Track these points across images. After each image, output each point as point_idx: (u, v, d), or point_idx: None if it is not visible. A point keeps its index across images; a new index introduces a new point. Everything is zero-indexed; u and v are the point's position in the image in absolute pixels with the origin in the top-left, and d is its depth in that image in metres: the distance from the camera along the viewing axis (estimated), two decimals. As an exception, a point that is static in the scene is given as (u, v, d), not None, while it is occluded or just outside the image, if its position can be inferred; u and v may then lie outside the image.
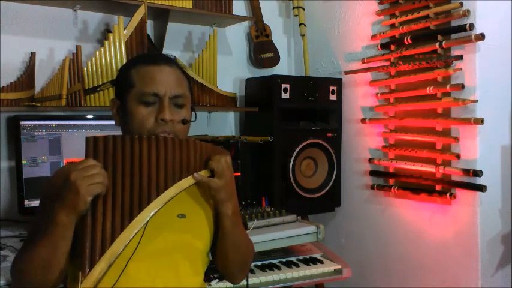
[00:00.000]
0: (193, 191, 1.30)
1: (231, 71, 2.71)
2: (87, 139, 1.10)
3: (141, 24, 2.13)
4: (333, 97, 2.56)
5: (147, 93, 1.20)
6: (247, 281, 1.83)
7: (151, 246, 1.17)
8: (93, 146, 1.10)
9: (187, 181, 1.17)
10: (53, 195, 1.12)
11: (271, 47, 2.75)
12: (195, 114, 1.31)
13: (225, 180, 1.21)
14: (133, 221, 1.09)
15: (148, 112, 1.20)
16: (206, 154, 1.22)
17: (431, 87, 2.12)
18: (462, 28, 1.99)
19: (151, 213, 1.10)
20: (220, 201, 1.23)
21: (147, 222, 1.11)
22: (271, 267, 2.01)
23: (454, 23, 2.07)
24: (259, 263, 2.04)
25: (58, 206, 1.06)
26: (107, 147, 1.11)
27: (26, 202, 1.91)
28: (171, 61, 1.29)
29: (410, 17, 2.21)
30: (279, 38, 2.84)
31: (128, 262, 1.12)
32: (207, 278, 1.80)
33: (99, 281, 1.05)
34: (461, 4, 2.02)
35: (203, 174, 1.20)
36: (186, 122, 1.24)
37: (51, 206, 1.09)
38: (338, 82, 2.58)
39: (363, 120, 2.48)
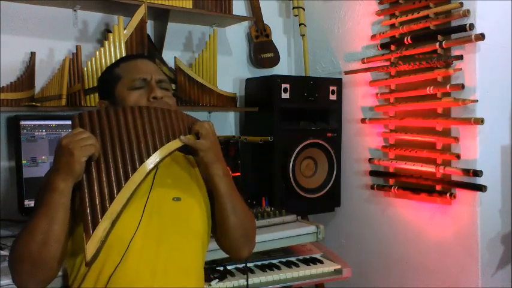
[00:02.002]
0: (185, 176, 1.35)
1: (231, 71, 2.71)
2: (73, 116, 1.16)
3: (141, 24, 2.13)
4: (333, 97, 2.56)
5: (136, 79, 1.31)
6: (247, 281, 1.83)
7: (149, 230, 1.19)
8: (79, 122, 1.15)
9: (175, 143, 1.21)
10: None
11: (271, 47, 2.75)
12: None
13: (211, 141, 1.25)
14: (130, 179, 1.12)
15: (140, 94, 1.30)
16: (188, 122, 1.27)
17: (431, 87, 2.12)
18: (462, 28, 1.99)
19: (147, 171, 1.14)
20: (209, 162, 1.26)
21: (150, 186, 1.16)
22: (271, 267, 2.01)
23: (454, 23, 2.07)
24: (259, 263, 2.04)
25: (54, 173, 1.08)
26: (92, 121, 1.16)
27: (26, 202, 1.91)
28: (147, 56, 1.46)
29: (410, 17, 2.21)
30: (279, 38, 2.84)
31: (129, 243, 1.15)
32: (207, 278, 1.80)
33: (103, 240, 1.06)
34: (461, 4, 2.02)
35: (189, 137, 1.24)
36: (176, 94, 1.34)
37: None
38: (338, 82, 2.58)
39: (363, 120, 2.48)
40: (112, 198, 1.09)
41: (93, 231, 1.06)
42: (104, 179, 1.10)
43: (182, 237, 1.25)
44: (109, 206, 1.08)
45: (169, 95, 1.35)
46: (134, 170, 1.13)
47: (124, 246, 1.15)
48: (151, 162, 1.15)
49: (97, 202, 1.08)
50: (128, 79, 1.31)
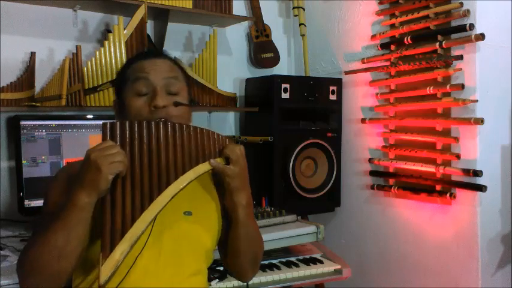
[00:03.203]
0: (199, 189, 1.32)
1: (231, 71, 2.71)
2: (103, 124, 1.11)
3: (141, 24, 2.13)
4: (333, 97, 2.56)
5: (138, 77, 1.22)
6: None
7: (157, 243, 1.17)
8: (110, 131, 1.10)
9: (204, 166, 1.17)
10: (61, 190, 1.15)
11: (271, 47, 2.75)
12: (194, 103, 1.33)
13: (240, 168, 1.21)
14: (154, 202, 1.08)
15: (143, 102, 1.21)
16: (220, 144, 1.22)
17: (431, 87, 2.12)
18: (462, 28, 1.99)
19: (171, 195, 1.10)
20: (234, 189, 1.22)
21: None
22: (271, 267, 2.01)
23: (454, 23, 2.07)
24: (259, 263, 2.04)
25: (77, 187, 1.04)
26: (123, 132, 1.11)
27: (26, 202, 1.91)
28: (162, 54, 1.32)
29: (410, 17, 2.21)
30: (279, 38, 2.84)
31: (137, 257, 1.12)
32: (207, 278, 1.80)
33: (119, 263, 1.03)
34: (461, 4, 2.02)
35: (218, 161, 1.20)
36: (177, 104, 1.23)
37: (61, 198, 1.09)
38: (338, 82, 2.58)
39: (363, 120, 2.48)
40: (134, 220, 1.06)
41: (110, 253, 1.03)
42: (128, 199, 1.07)
43: (189, 253, 1.23)
44: (130, 228, 1.05)
45: (177, 100, 1.24)
46: (159, 192, 1.09)
47: (132, 259, 1.12)
48: (178, 185, 1.11)
49: (118, 222, 1.05)
50: (132, 80, 1.24)
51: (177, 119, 1.22)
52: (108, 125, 1.10)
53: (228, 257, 1.34)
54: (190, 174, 1.14)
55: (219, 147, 1.21)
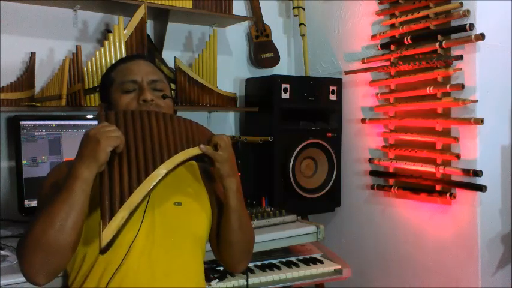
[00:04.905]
0: (188, 182, 1.36)
1: (231, 71, 2.71)
2: (99, 115, 1.20)
3: (141, 24, 2.13)
4: (333, 97, 2.56)
5: (126, 81, 1.30)
6: (247, 281, 1.84)
7: (151, 233, 1.20)
8: (105, 119, 1.18)
9: (194, 150, 1.23)
10: (56, 183, 1.19)
11: (271, 47, 2.75)
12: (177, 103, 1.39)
13: (229, 154, 1.26)
14: (150, 175, 1.14)
15: (131, 98, 1.29)
16: (207, 134, 1.29)
17: (431, 87, 2.12)
18: (462, 28, 1.99)
19: (165, 171, 1.15)
20: (225, 175, 1.27)
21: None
22: (271, 267, 2.01)
23: (454, 23, 2.07)
24: (259, 263, 2.04)
25: (77, 161, 1.09)
26: (118, 120, 1.19)
27: (26, 202, 1.91)
28: (144, 56, 1.43)
29: (410, 17, 2.21)
30: (279, 38, 2.84)
31: (130, 245, 1.15)
32: (207, 278, 1.80)
33: (120, 229, 1.06)
34: (461, 4, 2.02)
35: (208, 147, 1.25)
36: (166, 96, 1.32)
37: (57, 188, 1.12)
38: (338, 82, 2.58)
39: (363, 120, 2.48)
40: (131, 192, 1.11)
41: (110, 220, 1.06)
42: (125, 172, 1.12)
43: (182, 241, 1.26)
44: (128, 198, 1.10)
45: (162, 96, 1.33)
46: (155, 167, 1.15)
47: (126, 248, 1.15)
48: (171, 162, 1.17)
49: (116, 192, 1.09)
50: (119, 82, 1.31)
51: (165, 110, 1.30)
52: (103, 114, 1.20)
53: (221, 247, 1.36)
54: (182, 155, 1.20)
55: (207, 137, 1.28)
